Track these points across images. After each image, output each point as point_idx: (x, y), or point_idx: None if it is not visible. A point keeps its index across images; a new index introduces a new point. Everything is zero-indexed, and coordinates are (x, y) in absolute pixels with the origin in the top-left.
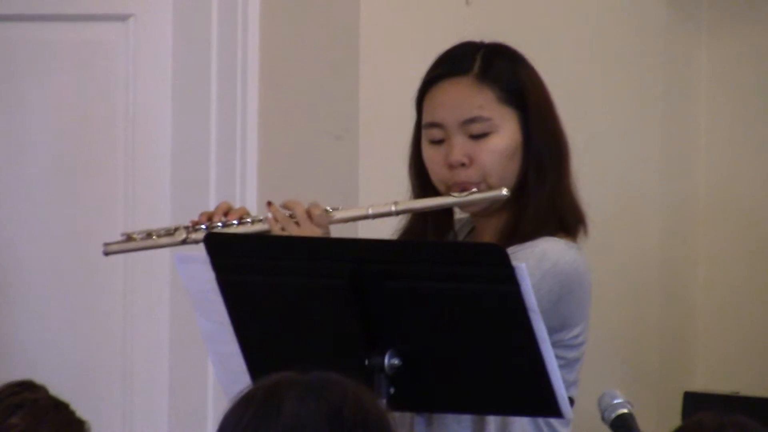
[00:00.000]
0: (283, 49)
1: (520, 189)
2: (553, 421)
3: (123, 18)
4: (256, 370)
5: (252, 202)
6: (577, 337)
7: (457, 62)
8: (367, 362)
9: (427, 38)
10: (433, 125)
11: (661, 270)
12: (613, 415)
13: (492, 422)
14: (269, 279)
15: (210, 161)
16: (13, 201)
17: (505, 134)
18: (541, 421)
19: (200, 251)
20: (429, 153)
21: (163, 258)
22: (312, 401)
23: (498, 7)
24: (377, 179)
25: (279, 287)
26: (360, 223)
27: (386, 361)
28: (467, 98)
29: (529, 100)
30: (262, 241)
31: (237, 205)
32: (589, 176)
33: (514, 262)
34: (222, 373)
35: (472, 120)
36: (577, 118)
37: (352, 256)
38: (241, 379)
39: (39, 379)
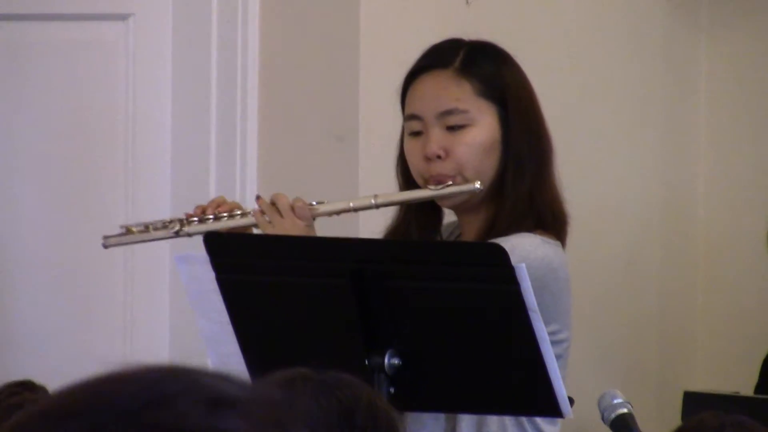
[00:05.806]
0: (283, 49)
1: (499, 186)
2: (539, 419)
3: (123, 18)
4: (256, 370)
5: (252, 202)
6: (555, 333)
7: (440, 56)
8: (367, 362)
9: (427, 38)
10: (413, 117)
11: (661, 269)
12: (613, 415)
13: (466, 417)
14: (269, 279)
15: (210, 161)
16: (12, 200)
17: (482, 128)
18: (524, 418)
19: (197, 246)
20: (408, 145)
21: (163, 258)
22: (325, 400)
23: (498, 7)
24: (377, 179)
25: (279, 287)
26: (361, 223)
27: (386, 360)
28: (445, 90)
29: (509, 95)
30: (262, 241)
31: None
32: (590, 175)
33: (514, 262)
34: None
35: (449, 112)
36: (577, 118)
37: (352, 256)
38: None
39: (39, 378)
